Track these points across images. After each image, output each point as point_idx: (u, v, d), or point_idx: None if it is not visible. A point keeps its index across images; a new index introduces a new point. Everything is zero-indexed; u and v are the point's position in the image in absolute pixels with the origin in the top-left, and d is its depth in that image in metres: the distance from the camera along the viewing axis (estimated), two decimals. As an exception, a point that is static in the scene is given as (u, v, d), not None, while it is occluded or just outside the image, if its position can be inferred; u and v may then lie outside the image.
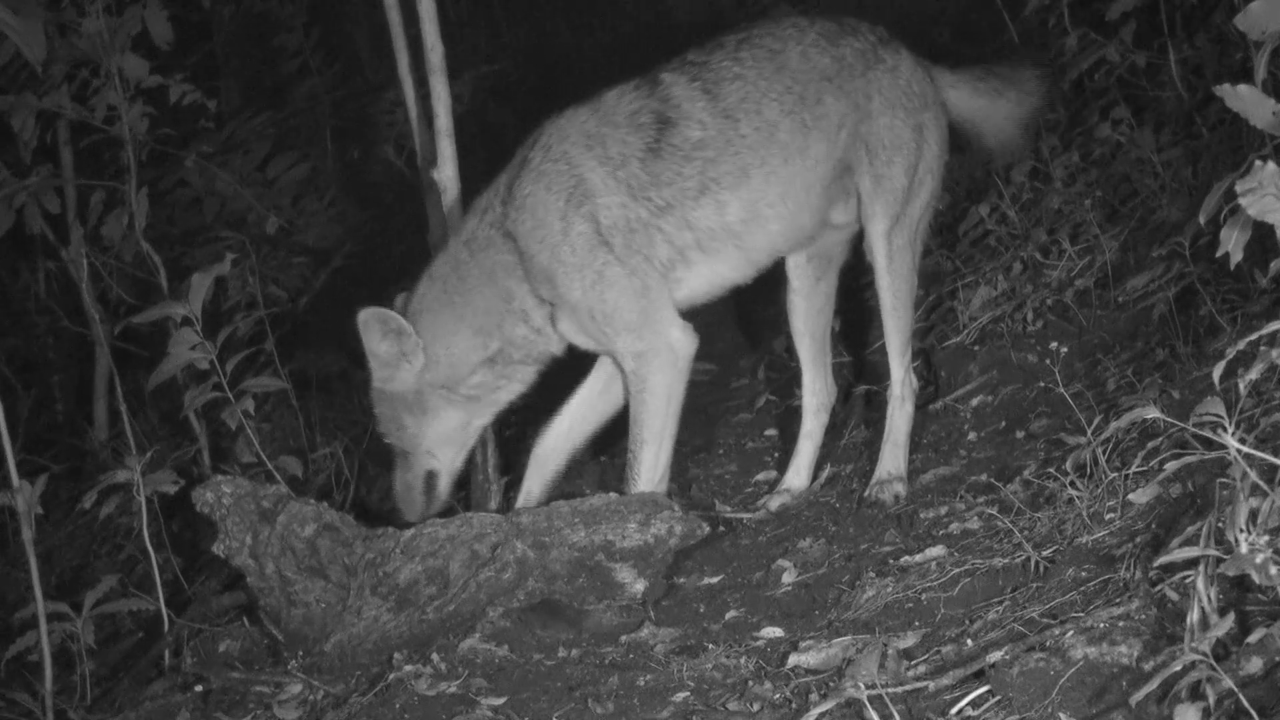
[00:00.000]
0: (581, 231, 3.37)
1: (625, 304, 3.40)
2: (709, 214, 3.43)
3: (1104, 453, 2.93)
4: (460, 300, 3.49)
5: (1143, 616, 2.32)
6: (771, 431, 4.38)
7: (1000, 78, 3.74)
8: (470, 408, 3.59)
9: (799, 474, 3.86)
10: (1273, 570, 1.99)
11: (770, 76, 3.44)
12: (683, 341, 3.48)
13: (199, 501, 3.45)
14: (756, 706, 2.60)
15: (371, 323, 3.47)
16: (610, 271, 3.38)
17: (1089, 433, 2.93)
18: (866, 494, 3.58)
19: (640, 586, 3.28)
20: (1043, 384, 3.78)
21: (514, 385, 3.61)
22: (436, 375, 3.52)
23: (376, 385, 3.56)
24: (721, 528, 3.69)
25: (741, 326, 5.29)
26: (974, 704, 2.32)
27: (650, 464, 3.45)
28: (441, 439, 3.61)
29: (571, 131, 3.46)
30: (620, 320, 3.41)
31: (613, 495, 3.40)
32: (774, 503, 3.79)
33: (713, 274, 3.53)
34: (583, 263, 3.38)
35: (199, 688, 3.32)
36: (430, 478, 3.65)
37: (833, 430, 4.18)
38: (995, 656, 2.37)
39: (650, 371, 3.44)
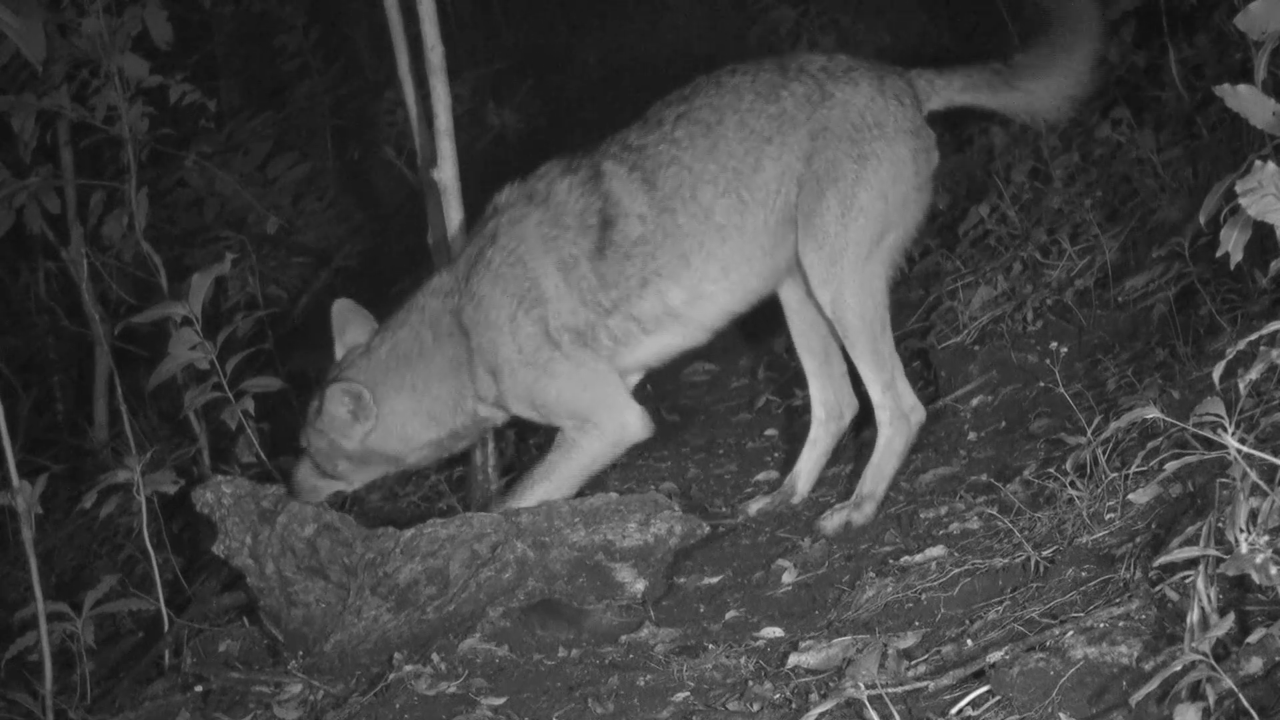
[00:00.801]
0: (530, 333, 3.47)
1: (571, 395, 3.51)
2: (652, 303, 3.49)
3: (1104, 453, 2.93)
4: (421, 387, 3.59)
5: (1143, 616, 2.32)
6: (771, 431, 4.38)
7: (1026, 66, 3.57)
8: (406, 464, 3.74)
9: (796, 480, 3.83)
10: (1273, 570, 1.99)
11: (705, 157, 3.46)
12: (634, 427, 3.55)
13: (199, 502, 3.46)
14: (756, 706, 2.61)
15: (339, 395, 3.56)
16: (556, 367, 3.48)
17: (1089, 433, 2.93)
18: (819, 519, 3.54)
19: (640, 586, 3.28)
20: (1043, 384, 3.78)
21: (456, 448, 3.76)
22: (386, 446, 3.63)
23: (321, 429, 3.62)
24: (720, 527, 3.69)
25: (741, 326, 5.29)
26: (974, 704, 2.32)
27: (535, 499, 3.49)
28: (368, 479, 3.77)
29: (528, 234, 3.51)
30: (567, 409, 3.53)
31: (613, 495, 3.40)
32: (753, 507, 3.78)
33: (661, 347, 3.60)
34: (529, 360, 3.48)
35: (199, 688, 3.32)
36: (337, 494, 3.78)
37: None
38: (995, 656, 2.37)
39: (588, 440, 3.54)
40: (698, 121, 3.48)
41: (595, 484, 3.86)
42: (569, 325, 3.47)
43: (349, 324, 3.74)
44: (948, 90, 3.59)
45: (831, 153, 3.42)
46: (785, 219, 3.48)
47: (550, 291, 3.46)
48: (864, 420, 4.20)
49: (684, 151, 3.47)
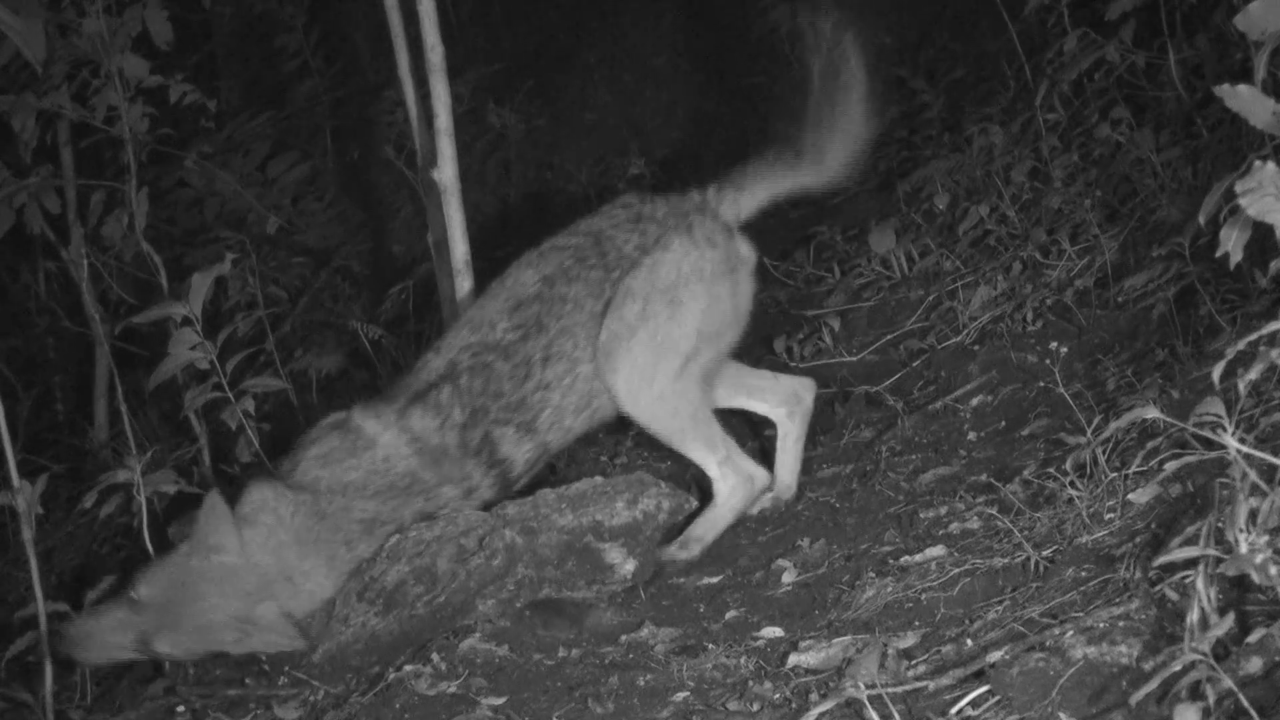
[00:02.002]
0: None
1: None
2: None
3: (1104, 453, 2.93)
4: None
5: (1143, 616, 2.32)
6: (771, 432, 4.37)
7: (819, 147, 3.69)
8: None
9: (781, 476, 3.84)
10: (1273, 570, 1.99)
11: (570, 391, 3.56)
12: None
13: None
14: (756, 706, 2.61)
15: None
16: None
17: (1089, 433, 2.93)
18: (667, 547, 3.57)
19: (630, 567, 3.29)
20: (1043, 384, 3.78)
21: None
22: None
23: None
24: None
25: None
26: (974, 704, 2.32)
27: None
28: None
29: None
30: None
31: (598, 479, 3.43)
32: (754, 508, 3.79)
33: None
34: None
35: (180, 708, 3.33)
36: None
37: (832, 431, 4.18)
38: (995, 656, 2.37)
39: None
40: (562, 356, 3.53)
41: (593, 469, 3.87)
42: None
43: None
44: (751, 199, 3.71)
45: (647, 304, 3.52)
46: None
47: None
48: (866, 422, 4.20)
49: (556, 394, 3.53)
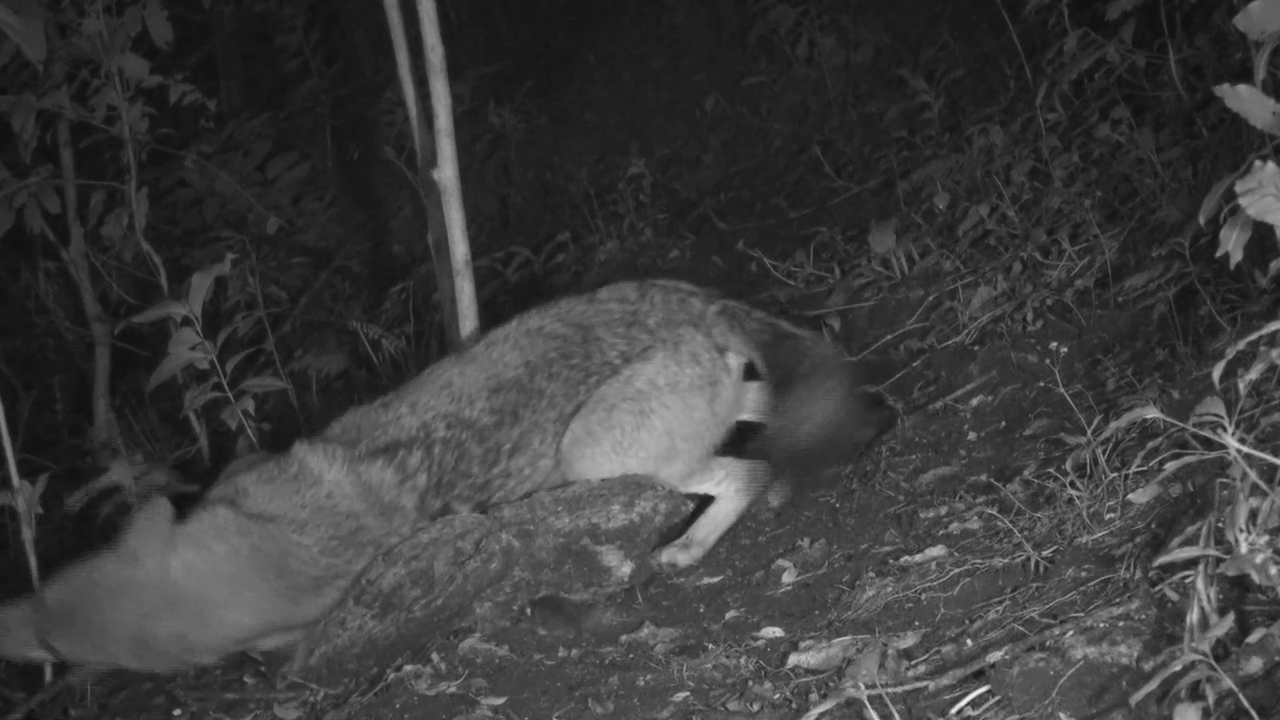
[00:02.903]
0: None
1: None
2: None
3: (1104, 453, 2.93)
4: None
5: (1143, 616, 2.32)
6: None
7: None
8: None
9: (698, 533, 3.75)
10: (1273, 570, 1.99)
11: (534, 477, 3.53)
12: None
13: None
14: (756, 706, 2.61)
15: None
16: None
17: (1089, 433, 2.93)
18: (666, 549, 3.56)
19: (627, 570, 3.30)
20: (1043, 384, 3.78)
21: None
22: None
23: None
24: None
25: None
26: (974, 704, 2.32)
27: None
28: None
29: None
30: None
31: (594, 481, 3.42)
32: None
33: None
34: None
35: (176, 712, 3.33)
36: None
37: (833, 430, 4.18)
38: (995, 656, 2.37)
39: None
40: (528, 448, 3.50)
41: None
42: None
43: None
44: (741, 350, 3.62)
45: (613, 411, 3.49)
46: None
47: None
48: (866, 422, 4.20)
49: (514, 481, 3.50)
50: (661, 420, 3.50)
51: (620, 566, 3.31)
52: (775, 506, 3.78)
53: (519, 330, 3.61)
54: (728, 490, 3.64)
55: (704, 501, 3.63)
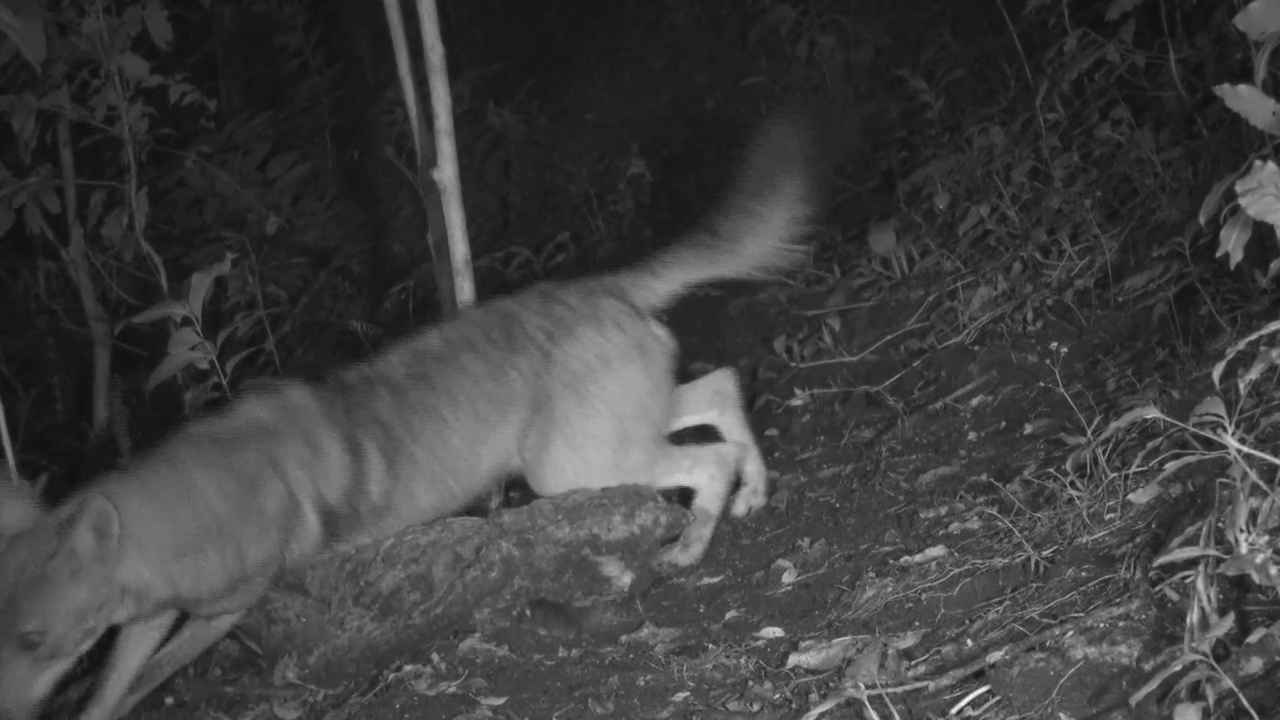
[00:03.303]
0: None
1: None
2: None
3: (1104, 453, 2.93)
4: None
5: (1143, 616, 2.32)
6: (772, 431, 4.38)
7: (736, 231, 3.64)
8: None
9: (747, 480, 3.80)
10: (1273, 570, 1.99)
11: (435, 454, 3.44)
12: None
13: None
14: (756, 706, 2.61)
15: None
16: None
17: (1089, 433, 2.93)
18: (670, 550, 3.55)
19: (627, 580, 3.29)
20: (1043, 384, 3.78)
21: None
22: None
23: None
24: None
25: (741, 326, 5.30)
26: (974, 704, 2.32)
27: (148, 686, 3.30)
28: None
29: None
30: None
31: (594, 490, 3.42)
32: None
33: None
34: None
35: (169, 699, 3.33)
36: None
37: (832, 431, 4.18)
38: (995, 656, 2.37)
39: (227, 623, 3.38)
40: (433, 412, 3.44)
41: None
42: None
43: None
44: (665, 285, 3.64)
45: (554, 408, 3.46)
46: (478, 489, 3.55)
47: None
48: (866, 422, 4.20)
49: (420, 448, 3.44)
50: (602, 403, 3.47)
51: (620, 577, 3.30)
52: (767, 504, 3.78)
53: (443, 321, 3.62)
54: (702, 479, 3.62)
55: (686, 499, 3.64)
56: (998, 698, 2.30)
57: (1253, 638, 2.04)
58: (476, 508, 3.82)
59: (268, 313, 5.05)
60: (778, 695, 2.63)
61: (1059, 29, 4.81)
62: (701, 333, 5.29)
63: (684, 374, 3.94)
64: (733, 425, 3.84)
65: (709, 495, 3.63)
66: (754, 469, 3.81)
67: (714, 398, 3.85)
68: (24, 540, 2.97)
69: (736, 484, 3.76)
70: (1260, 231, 2.27)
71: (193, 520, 3.13)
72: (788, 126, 3.74)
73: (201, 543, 3.13)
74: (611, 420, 3.48)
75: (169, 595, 3.12)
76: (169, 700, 3.35)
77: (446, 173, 3.92)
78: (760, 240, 3.64)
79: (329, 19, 8.21)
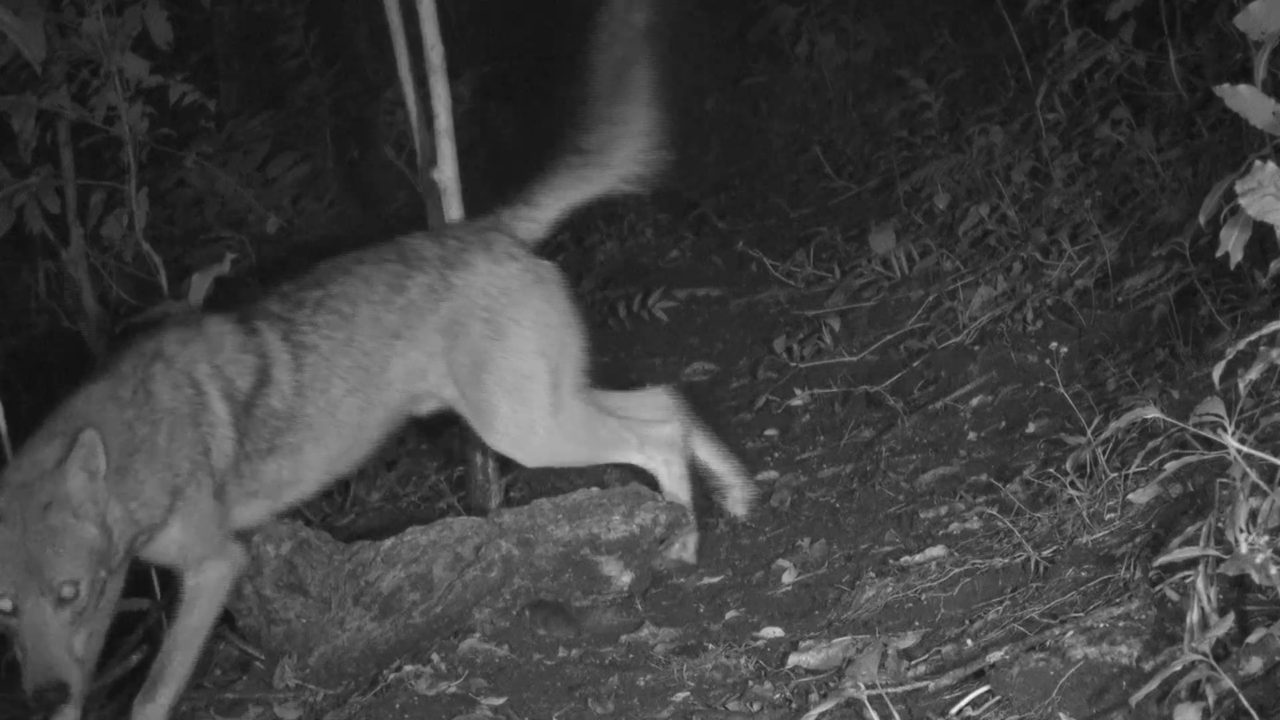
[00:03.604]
0: None
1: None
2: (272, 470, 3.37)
3: (1104, 453, 2.93)
4: None
5: (1143, 616, 2.32)
6: (771, 431, 4.38)
7: (602, 144, 3.62)
8: None
9: (725, 491, 3.73)
10: (1273, 570, 1.99)
11: (341, 350, 3.39)
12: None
13: None
14: (756, 706, 2.61)
15: None
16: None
17: (1089, 433, 2.93)
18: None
19: (627, 579, 3.29)
20: (1043, 384, 3.78)
21: None
22: None
23: None
24: (724, 527, 3.69)
25: (741, 326, 5.30)
26: (974, 704, 2.32)
27: (181, 668, 3.22)
28: None
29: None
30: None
31: (594, 490, 3.43)
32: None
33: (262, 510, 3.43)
34: None
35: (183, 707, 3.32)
36: None
37: (832, 431, 4.18)
38: (995, 656, 2.37)
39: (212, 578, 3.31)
40: (335, 310, 3.41)
41: (591, 479, 3.86)
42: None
43: None
44: (545, 213, 3.61)
45: (472, 343, 3.42)
46: (401, 410, 3.50)
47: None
48: (866, 422, 4.20)
49: (324, 339, 3.39)
50: (520, 339, 3.43)
51: (620, 576, 3.30)
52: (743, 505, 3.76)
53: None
54: (657, 463, 3.57)
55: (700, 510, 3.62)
56: (998, 698, 2.30)
57: (1253, 638, 2.04)
58: (476, 507, 3.83)
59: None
60: (778, 695, 2.63)
61: (1059, 29, 4.81)
62: (701, 333, 5.30)
63: (682, 375, 3.96)
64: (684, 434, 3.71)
65: (673, 481, 3.58)
66: (725, 467, 3.73)
67: (659, 410, 3.74)
68: (14, 499, 2.94)
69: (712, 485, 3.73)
70: (1260, 231, 2.28)
71: (131, 442, 3.12)
72: (626, 16, 3.72)
73: (133, 460, 3.11)
74: (537, 359, 3.43)
75: (130, 533, 3.10)
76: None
77: (446, 173, 3.92)
78: (625, 146, 3.60)
79: (329, 19, 8.21)
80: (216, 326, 3.34)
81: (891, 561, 3.12)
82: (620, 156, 3.60)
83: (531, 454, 3.50)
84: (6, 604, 2.89)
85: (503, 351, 3.41)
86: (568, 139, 3.61)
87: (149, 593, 3.74)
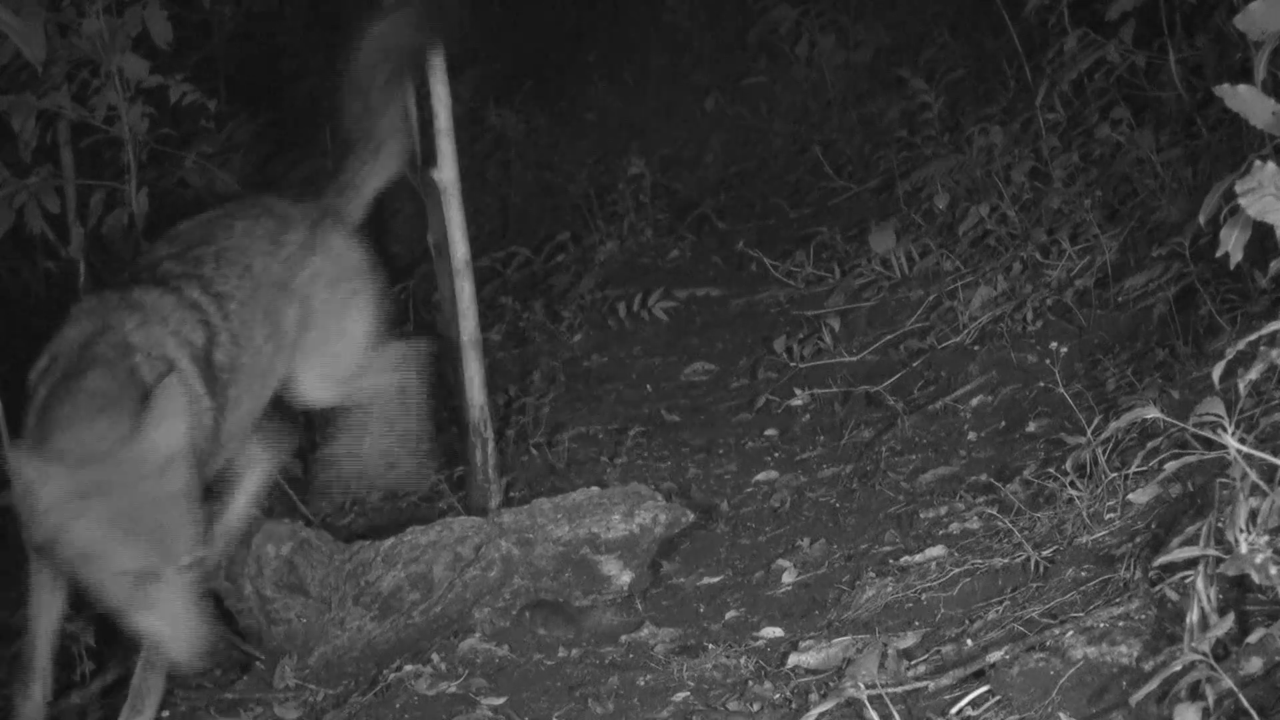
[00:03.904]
0: None
1: None
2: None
3: (1104, 453, 2.93)
4: None
5: (1143, 616, 2.32)
6: (771, 431, 4.38)
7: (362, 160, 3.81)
8: None
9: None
10: (1273, 570, 1.99)
11: (251, 299, 3.39)
12: None
13: None
14: (756, 706, 2.61)
15: None
16: None
17: (1089, 433, 2.93)
18: None
19: (627, 578, 3.30)
20: (1043, 384, 3.78)
21: None
22: None
23: None
24: (724, 525, 3.69)
25: (741, 326, 5.30)
26: (974, 704, 2.32)
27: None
28: None
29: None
30: None
31: (594, 489, 3.43)
32: None
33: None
34: None
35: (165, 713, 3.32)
36: None
37: (832, 431, 4.18)
38: (995, 656, 2.37)
39: None
40: (236, 262, 3.41)
41: (591, 479, 3.87)
42: None
43: None
44: (359, 199, 3.75)
45: (330, 293, 3.55)
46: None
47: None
48: (866, 422, 4.20)
49: (238, 290, 3.38)
50: (370, 304, 3.67)
51: (620, 575, 3.31)
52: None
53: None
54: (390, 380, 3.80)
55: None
56: (998, 698, 2.30)
57: (1252, 638, 2.05)
58: (476, 507, 3.83)
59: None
60: (778, 695, 2.63)
61: (1059, 29, 4.80)
62: (701, 333, 5.29)
63: (682, 375, 3.96)
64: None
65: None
66: None
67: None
68: (102, 463, 2.74)
69: None
70: (1260, 231, 2.27)
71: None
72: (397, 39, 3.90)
73: None
74: (373, 321, 3.64)
75: None
76: (165, 714, 3.34)
77: (446, 173, 3.92)
78: (399, 140, 3.83)
79: (329, 19, 8.20)
80: (148, 296, 3.23)
81: (891, 561, 3.12)
82: (388, 145, 3.80)
83: (350, 396, 3.70)
84: None
85: (358, 309, 3.64)
86: (355, 130, 3.87)
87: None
